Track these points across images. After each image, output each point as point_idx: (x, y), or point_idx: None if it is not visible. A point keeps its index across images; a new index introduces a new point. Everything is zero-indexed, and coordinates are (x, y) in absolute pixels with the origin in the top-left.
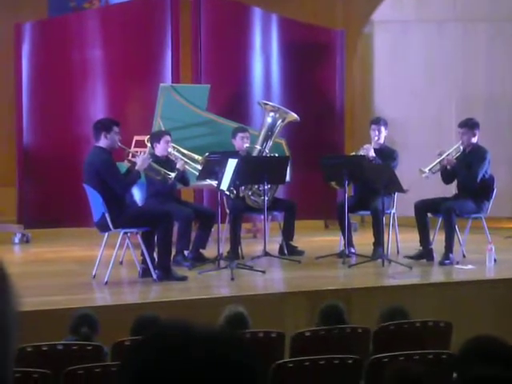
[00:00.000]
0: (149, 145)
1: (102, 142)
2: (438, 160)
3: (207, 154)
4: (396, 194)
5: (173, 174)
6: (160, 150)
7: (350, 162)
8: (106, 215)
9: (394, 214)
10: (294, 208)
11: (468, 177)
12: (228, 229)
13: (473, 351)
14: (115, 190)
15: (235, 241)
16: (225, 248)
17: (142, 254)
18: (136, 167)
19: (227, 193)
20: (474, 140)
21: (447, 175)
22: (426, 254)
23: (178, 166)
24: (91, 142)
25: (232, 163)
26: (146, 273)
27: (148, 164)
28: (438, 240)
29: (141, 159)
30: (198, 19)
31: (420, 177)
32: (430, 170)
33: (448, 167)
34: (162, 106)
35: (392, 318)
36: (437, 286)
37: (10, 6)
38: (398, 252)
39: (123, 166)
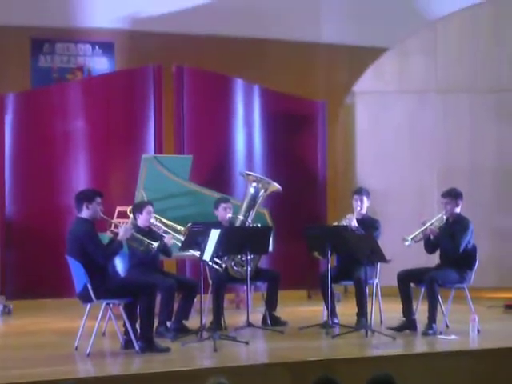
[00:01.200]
0: (131, 215)
1: (84, 213)
2: (422, 229)
3: (189, 224)
4: (379, 263)
5: (155, 244)
6: (142, 220)
7: (332, 233)
8: (88, 286)
9: (377, 284)
10: (277, 278)
11: (451, 246)
12: (211, 299)
13: None
14: (97, 260)
15: (218, 311)
16: (208, 319)
17: (125, 325)
18: (118, 237)
19: (212, 264)
20: (458, 210)
21: (430, 245)
22: (409, 324)
23: (165, 241)
24: (73, 212)
25: (215, 234)
26: (128, 344)
27: (130, 234)
28: (421, 310)
29: (123, 229)
30: (181, 90)
31: (403, 245)
32: (412, 238)
33: (431, 237)
34: (144, 177)
35: None
36: (420, 356)
37: None
38: (381, 322)
39: (106, 236)
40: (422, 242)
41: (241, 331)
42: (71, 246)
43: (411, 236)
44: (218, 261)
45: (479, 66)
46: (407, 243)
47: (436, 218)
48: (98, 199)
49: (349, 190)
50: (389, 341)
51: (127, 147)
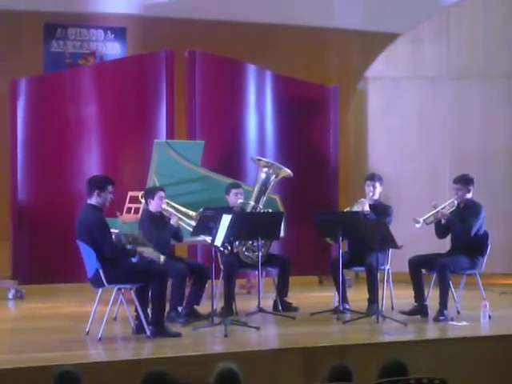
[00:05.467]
0: (143, 201)
1: (94, 200)
2: (433, 212)
3: (201, 210)
4: (390, 249)
5: (162, 258)
6: (154, 206)
7: (344, 218)
8: (100, 271)
9: (388, 269)
10: (288, 264)
11: (462, 229)
12: (222, 285)
13: None
14: (104, 251)
15: (229, 297)
16: (219, 304)
17: (136, 310)
18: (138, 250)
19: (221, 249)
20: (469, 196)
21: (441, 229)
22: (420, 310)
23: (171, 222)
24: (85, 197)
25: (226, 219)
26: (139, 329)
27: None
28: (432, 296)
29: (147, 252)
30: (193, 75)
31: (414, 231)
32: (424, 220)
33: (442, 221)
34: (156, 162)
35: (392, 373)
36: (431, 342)
37: (6, 62)
38: (392, 308)
39: (115, 221)
40: (433, 228)
41: (252, 316)
42: (81, 232)
43: (423, 218)
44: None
45: (491, 51)
46: (418, 225)
47: (448, 203)
48: (110, 188)
49: (361, 175)
50: (400, 327)
51: (139, 133)
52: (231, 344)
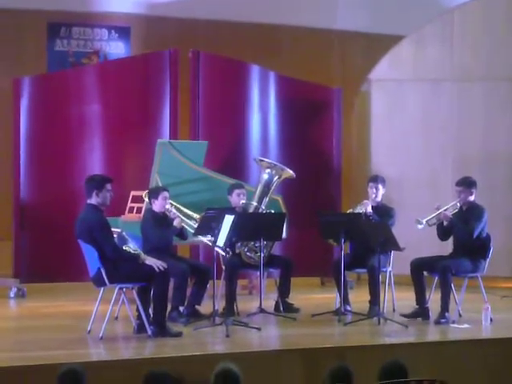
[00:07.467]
0: (146, 200)
1: (94, 200)
2: (436, 213)
3: (204, 212)
4: (392, 251)
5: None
6: (158, 206)
7: (346, 220)
8: (102, 270)
9: (390, 272)
10: (290, 265)
11: (464, 231)
12: (224, 285)
13: None
14: (105, 252)
15: (231, 297)
16: (220, 304)
17: (138, 310)
18: (141, 255)
19: (223, 253)
20: (472, 198)
21: (443, 231)
22: (421, 312)
23: (174, 224)
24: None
25: (228, 219)
26: (141, 328)
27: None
28: (434, 299)
29: (150, 261)
30: (197, 75)
31: (416, 233)
32: (427, 221)
33: (444, 223)
34: (159, 162)
35: (392, 375)
36: (433, 344)
37: (9, 61)
38: (394, 310)
39: (117, 220)
40: (435, 231)
41: (253, 317)
42: (81, 232)
43: (426, 219)
44: (228, 249)
45: (494, 54)
46: (421, 226)
47: (450, 205)
48: (108, 186)
49: (363, 177)
50: (401, 329)
51: (142, 132)
52: (232, 344)
